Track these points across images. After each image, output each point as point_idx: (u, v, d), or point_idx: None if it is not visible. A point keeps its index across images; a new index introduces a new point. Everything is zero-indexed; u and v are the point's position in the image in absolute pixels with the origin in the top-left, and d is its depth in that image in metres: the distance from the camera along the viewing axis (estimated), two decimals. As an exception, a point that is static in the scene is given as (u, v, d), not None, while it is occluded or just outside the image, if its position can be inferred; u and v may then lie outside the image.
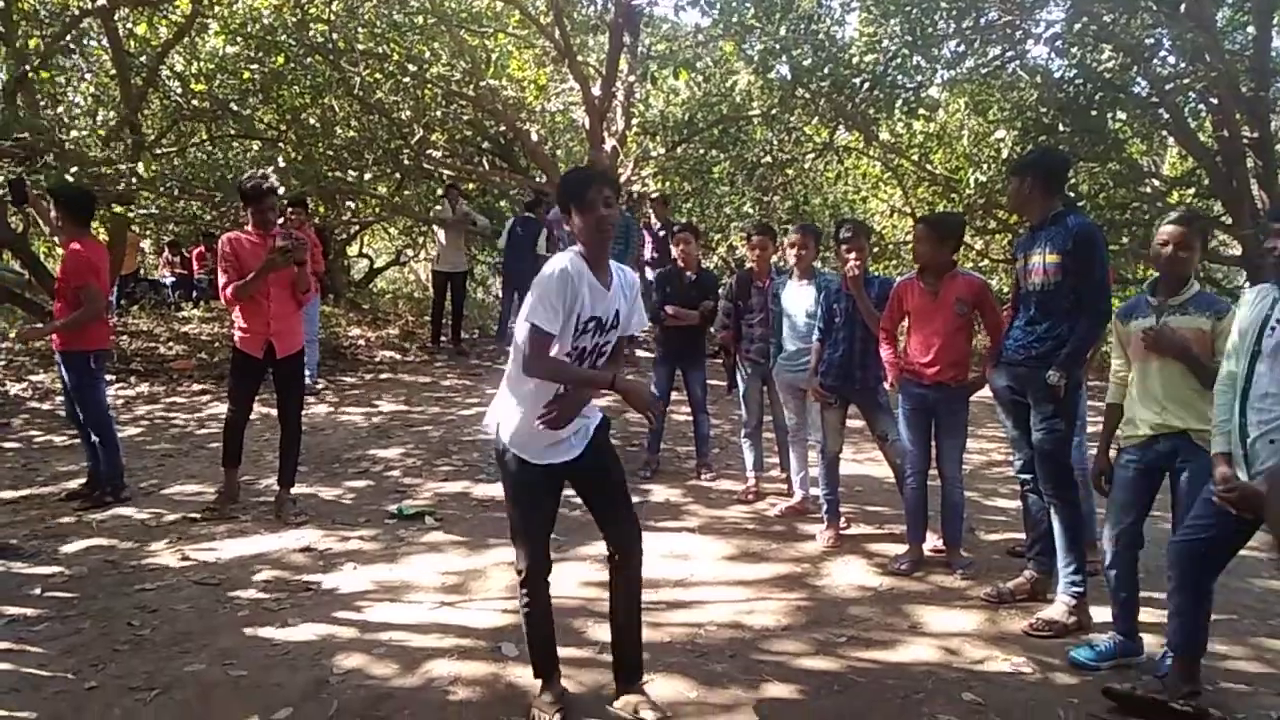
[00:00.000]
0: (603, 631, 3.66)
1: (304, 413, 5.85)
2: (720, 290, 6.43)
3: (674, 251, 6.60)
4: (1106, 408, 4.01)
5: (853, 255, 5.03)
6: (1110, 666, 3.69)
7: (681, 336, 6.45)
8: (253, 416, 5.79)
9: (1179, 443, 3.59)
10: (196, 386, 9.40)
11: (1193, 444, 3.55)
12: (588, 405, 3.19)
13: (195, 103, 11.25)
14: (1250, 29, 10.66)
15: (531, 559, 3.19)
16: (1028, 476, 4.32)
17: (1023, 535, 4.93)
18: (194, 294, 15.41)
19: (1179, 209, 4.69)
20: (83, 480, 5.85)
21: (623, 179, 12.32)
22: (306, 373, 6.79)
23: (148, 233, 15.51)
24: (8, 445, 7.04)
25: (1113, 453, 3.92)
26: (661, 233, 10.95)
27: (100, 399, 5.70)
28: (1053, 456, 4.09)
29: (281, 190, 5.86)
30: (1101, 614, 4.02)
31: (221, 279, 5.38)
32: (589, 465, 3.23)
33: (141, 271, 16.37)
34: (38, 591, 4.32)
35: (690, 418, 6.81)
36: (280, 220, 5.81)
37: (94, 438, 5.64)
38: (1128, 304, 3.92)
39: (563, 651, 3.41)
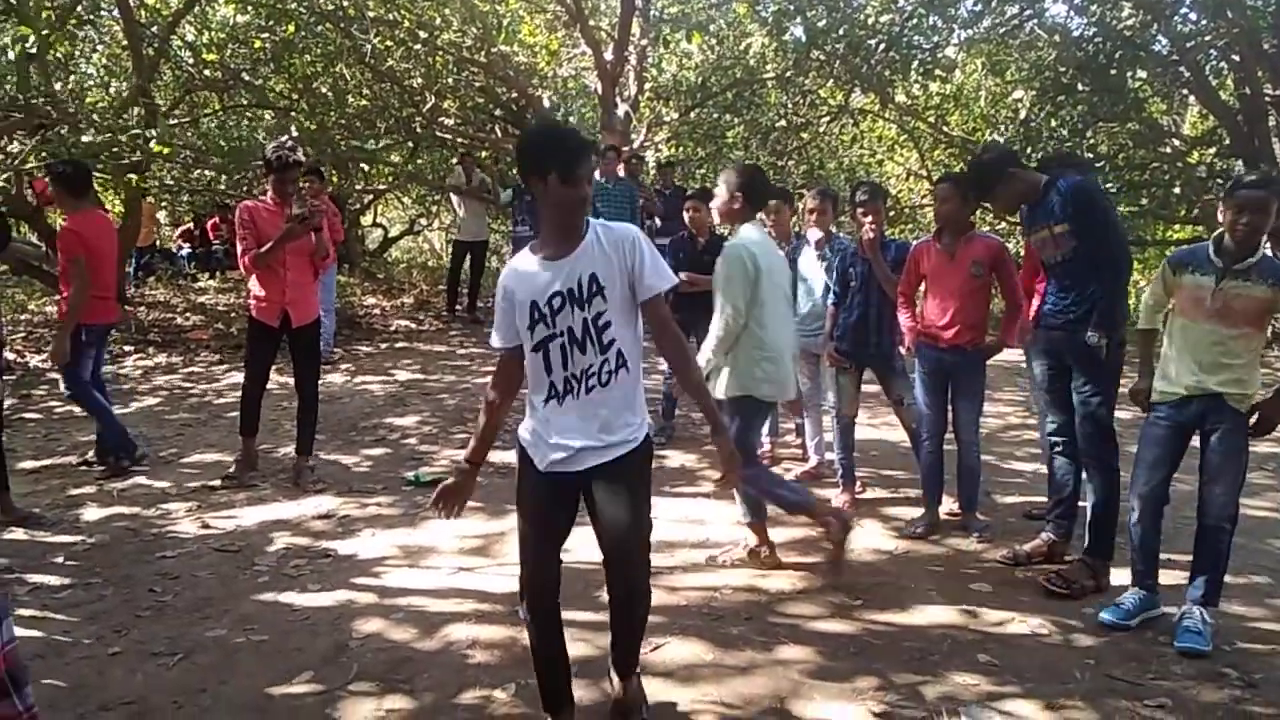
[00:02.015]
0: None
1: (320, 382, 5.87)
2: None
3: (685, 217, 6.57)
4: (1140, 334, 4.00)
5: (869, 219, 4.98)
6: (1139, 623, 3.71)
7: (695, 303, 6.40)
8: (270, 386, 5.81)
9: (1212, 405, 3.59)
10: (214, 356, 9.46)
11: (1226, 406, 3.56)
12: (612, 418, 2.71)
13: (207, 73, 11.21)
14: (1274, -16, 10.45)
15: (525, 569, 2.80)
16: (1060, 439, 4.30)
17: (1038, 498, 4.94)
18: (210, 264, 15.46)
19: (1256, 173, 4.63)
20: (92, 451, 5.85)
21: (636, 144, 12.23)
22: (322, 342, 6.81)
23: (164, 204, 15.52)
24: (29, 415, 7.10)
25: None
26: (667, 192, 10.92)
27: (78, 373, 5.51)
28: (1094, 419, 4.06)
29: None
30: (1121, 577, 4.03)
31: (239, 246, 5.39)
32: (601, 484, 2.73)
33: (157, 243, 16.42)
34: (60, 559, 4.37)
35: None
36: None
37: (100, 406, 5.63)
38: (1183, 253, 3.84)
39: (574, 615, 3.39)
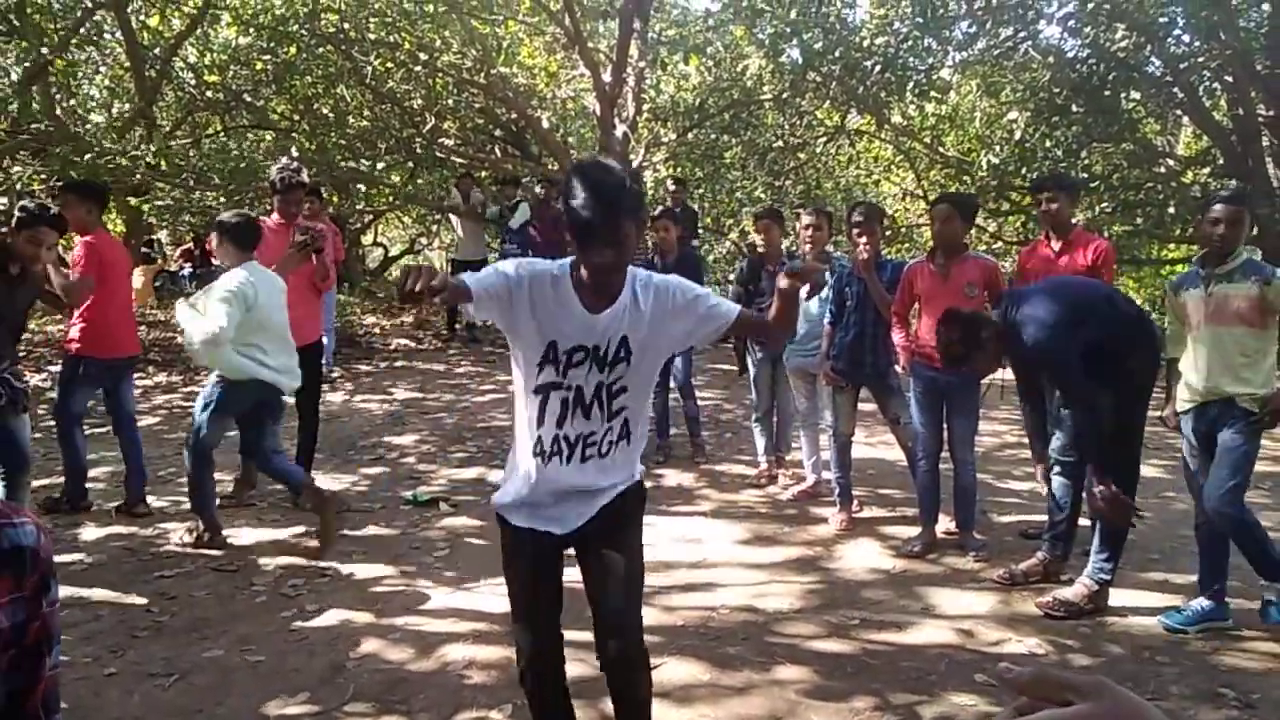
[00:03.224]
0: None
1: (320, 400, 5.88)
2: (734, 276, 6.40)
3: (649, 239, 6.58)
4: (1169, 363, 4.14)
5: (863, 239, 5.01)
6: (1198, 631, 3.80)
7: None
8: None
9: (1225, 407, 3.75)
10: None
11: (1237, 407, 3.72)
12: (601, 478, 2.47)
13: (209, 94, 11.29)
14: (1265, 6, 10.53)
15: (524, 647, 2.57)
16: (1066, 459, 4.28)
17: (1035, 517, 4.95)
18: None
19: (1230, 188, 4.79)
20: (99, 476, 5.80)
21: (634, 165, 12.29)
22: (323, 362, 6.81)
23: (164, 224, 15.58)
24: (27, 436, 7.09)
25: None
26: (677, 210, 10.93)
27: (69, 407, 5.35)
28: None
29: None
30: (1120, 598, 4.03)
31: None
32: (592, 543, 2.51)
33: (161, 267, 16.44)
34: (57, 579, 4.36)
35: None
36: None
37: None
38: (1179, 277, 4.11)
39: (569, 634, 3.36)
